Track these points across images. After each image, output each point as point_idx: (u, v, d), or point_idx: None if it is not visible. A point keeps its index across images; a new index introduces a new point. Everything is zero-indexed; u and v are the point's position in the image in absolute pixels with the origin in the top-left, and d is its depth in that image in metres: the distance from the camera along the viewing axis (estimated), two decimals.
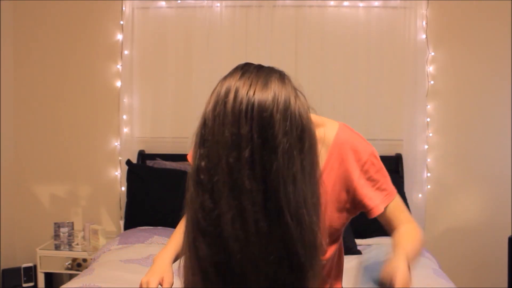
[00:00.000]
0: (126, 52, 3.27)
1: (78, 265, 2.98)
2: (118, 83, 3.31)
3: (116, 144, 3.34)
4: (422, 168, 3.20)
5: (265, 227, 0.90)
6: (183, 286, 1.03)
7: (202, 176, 0.95)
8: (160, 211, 2.94)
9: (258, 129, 0.90)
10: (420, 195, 3.18)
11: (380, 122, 3.19)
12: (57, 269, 3.06)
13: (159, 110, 3.30)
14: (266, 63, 3.46)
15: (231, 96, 0.92)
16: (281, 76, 0.97)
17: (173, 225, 3.08)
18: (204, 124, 0.95)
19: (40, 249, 3.07)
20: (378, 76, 3.19)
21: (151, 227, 2.88)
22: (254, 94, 0.91)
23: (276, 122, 0.90)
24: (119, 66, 3.31)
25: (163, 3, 3.27)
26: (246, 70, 0.97)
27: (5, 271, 3.14)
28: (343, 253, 1.36)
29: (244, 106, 0.90)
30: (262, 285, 0.93)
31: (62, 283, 2.94)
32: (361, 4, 3.18)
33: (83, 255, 3.01)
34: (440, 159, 3.25)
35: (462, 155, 3.23)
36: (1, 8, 3.22)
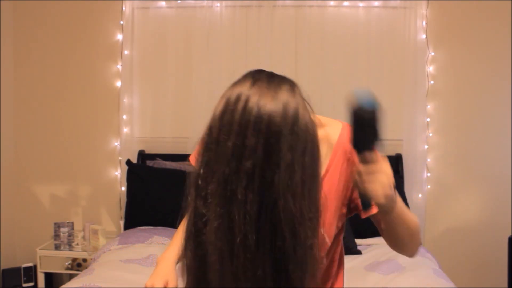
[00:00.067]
0: (126, 52, 3.27)
1: (78, 265, 2.98)
2: (118, 83, 3.31)
3: (116, 144, 3.34)
4: (422, 168, 3.20)
5: (253, 240, 0.88)
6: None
7: (199, 182, 0.95)
8: (160, 211, 2.94)
9: (264, 142, 0.88)
10: (420, 195, 3.18)
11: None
12: (57, 269, 3.06)
13: (159, 110, 3.30)
14: (266, 63, 3.49)
15: (240, 105, 0.90)
16: (292, 87, 0.95)
17: (173, 225, 3.08)
18: (210, 131, 0.94)
19: (40, 249, 3.07)
20: (378, 76, 3.19)
21: (151, 227, 2.88)
22: (264, 106, 0.89)
23: (283, 137, 0.89)
24: (119, 66, 3.31)
25: (163, 3, 3.27)
26: (258, 79, 0.95)
27: (5, 271, 3.14)
28: (343, 252, 1.36)
29: (252, 118, 0.89)
30: None
31: (62, 283, 2.94)
32: (361, 4, 3.18)
33: (83, 255, 3.01)
34: (440, 159, 3.25)
35: (462, 155, 3.23)
36: (1, 8, 3.22)
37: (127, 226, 2.99)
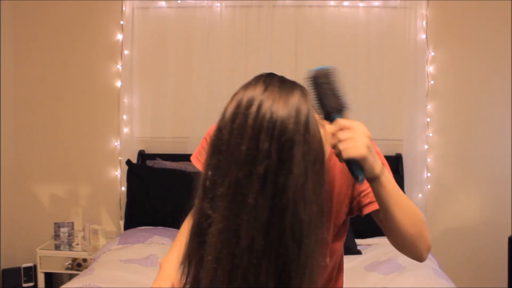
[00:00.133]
0: (126, 52, 3.27)
1: (78, 265, 2.98)
2: (118, 83, 3.31)
3: (116, 144, 3.34)
4: (422, 168, 3.20)
5: (261, 244, 0.89)
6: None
7: (207, 184, 0.94)
8: (160, 211, 2.94)
9: (277, 148, 0.89)
10: (420, 195, 3.18)
11: (380, 122, 3.19)
12: (57, 269, 3.06)
13: (159, 110, 3.30)
14: (266, 63, 3.48)
15: (253, 110, 0.90)
16: (303, 93, 0.96)
17: (173, 225, 3.10)
18: (220, 133, 0.94)
19: (40, 249, 3.07)
20: (378, 76, 3.19)
21: (151, 227, 2.88)
22: (277, 112, 0.90)
23: (297, 145, 0.90)
24: (119, 66, 3.31)
25: (163, 3, 3.27)
26: (269, 83, 0.95)
27: (5, 271, 3.14)
28: (343, 253, 1.36)
29: (266, 123, 0.89)
30: None
31: (62, 283, 2.94)
32: (361, 4, 3.18)
33: (83, 255, 3.01)
34: (440, 159, 3.25)
35: (462, 155, 3.23)
36: (1, 8, 3.22)
37: (127, 226, 2.99)
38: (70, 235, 3.14)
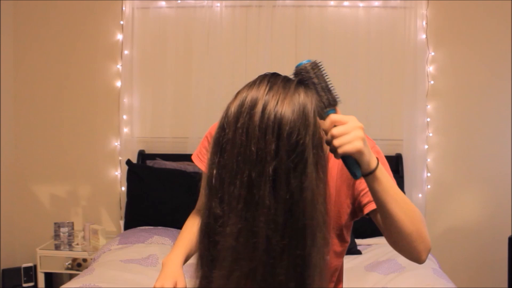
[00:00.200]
0: (126, 52, 3.27)
1: (78, 265, 2.98)
2: (118, 83, 3.31)
3: (116, 144, 3.34)
4: (422, 168, 3.20)
5: (279, 246, 0.90)
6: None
7: (214, 183, 0.94)
8: (160, 211, 2.94)
9: (287, 150, 0.89)
10: (420, 195, 3.18)
11: (380, 122, 3.19)
12: (57, 269, 3.06)
13: (159, 110, 3.30)
14: (266, 63, 3.47)
15: (258, 109, 0.90)
16: (307, 93, 0.96)
17: (173, 225, 3.10)
18: (223, 132, 0.94)
19: (40, 249, 3.07)
20: (378, 76, 3.19)
21: (151, 227, 2.88)
22: (283, 112, 0.90)
23: (308, 146, 0.90)
24: (119, 66, 3.31)
25: (163, 3, 3.27)
26: (274, 83, 0.95)
27: (5, 271, 3.14)
28: (343, 267, 1.37)
29: (271, 123, 0.89)
30: None
31: (62, 283, 2.94)
32: (361, 4, 3.18)
33: (83, 255, 3.01)
34: (440, 159, 3.25)
35: (462, 155, 3.23)
36: (1, 8, 3.22)
37: (127, 226, 2.99)
38: (70, 235, 3.14)
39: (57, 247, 3.10)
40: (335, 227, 1.23)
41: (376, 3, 3.18)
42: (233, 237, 0.91)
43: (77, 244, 3.12)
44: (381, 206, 0.99)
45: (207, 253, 0.96)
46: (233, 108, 0.94)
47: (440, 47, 3.21)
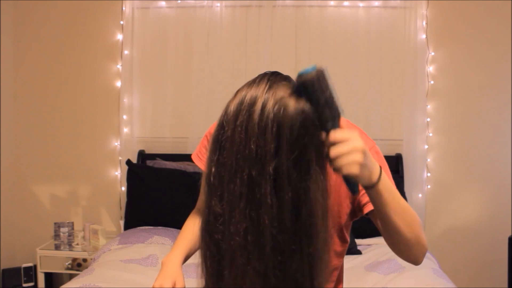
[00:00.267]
0: (126, 52, 3.27)
1: (78, 265, 2.98)
2: (118, 83, 3.31)
3: (116, 144, 3.34)
4: (422, 168, 3.20)
5: (285, 244, 0.90)
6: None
7: (213, 181, 0.94)
8: (160, 211, 2.94)
9: (287, 147, 0.89)
10: (420, 195, 3.18)
11: (380, 122, 3.19)
12: (57, 269, 3.06)
13: (159, 110, 3.30)
14: (266, 63, 3.47)
15: (257, 107, 0.90)
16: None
17: (173, 225, 3.10)
18: (222, 129, 0.94)
19: (40, 249, 3.07)
20: (378, 76, 3.19)
21: (151, 227, 2.88)
22: (282, 110, 0.90)
23: (310, 146, 0.90)
24: (119, 66, 3.31)
25: (163, 3, 3.27)
26: (274, 81, 0.95)
27: (5, 271, 3.14)
28: (343, 267, 1.37)
29: (270, 122, 0.89)
30: None
31: (62, 283, 2.94)
32: (361, 4, 3.18)
33: (83, 255, 3.01)
34: (440, 159, 3.25)
35: (462, 155, 3.23)
36: (1, 8, 3.22)
37: (127, 226, 2.99)
38: (70, 235, 3.14)
39: (57, 247, 3.10)
40: (335, 226, 1.23)
41: (376, 3, 3.18)
42: (240, 236, 0.90)
43: (77, 244, 3.12)
44: (381, 216, 1.01)
45: (210, 252, 0.96)
46: (232, 106, 0.94)
47: (440, 47, 3.21)
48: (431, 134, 3.23)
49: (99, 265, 2.39)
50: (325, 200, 0.95)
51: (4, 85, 3.28)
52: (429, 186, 3.24)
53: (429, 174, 3.23)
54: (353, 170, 0.87)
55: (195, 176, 2.85)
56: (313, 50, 3.19)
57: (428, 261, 2.47)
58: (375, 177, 0.94)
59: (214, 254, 0.95)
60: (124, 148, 3.29)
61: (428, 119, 3.22)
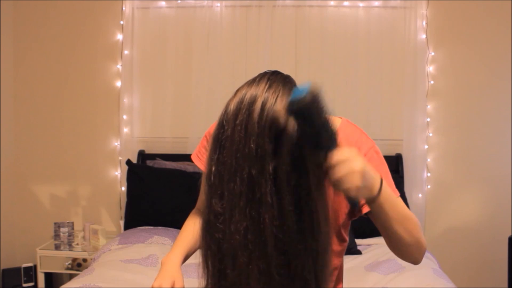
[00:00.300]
0: (126, 52, 3.27)
1: (78, 265, 2.98)
2: (118, 83, 3.31)
3: (116, 144, 3.34)
4: (422, 168, 3.20)
5: (288, 243, 0.90)
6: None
7: (213, 180, 0.94)
8: (160, 211, 2.94)
9: (287, 149, 0.89)
10: (420, 195, 3.18)
11: (380, 122, 3.19)
12: (57, 269, 3.06)
13: (159, 110, 3.30)
14: (266, 63, 3.48)
15: (257, 106, 0.90)
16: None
17: (173, 225, 3.10)
18: (222, 128, 0.94)
19: (40, 249, 3.07)
20: (378, 76, 3.19)
21: (151, 227, 2.88)
22: (282, 109, 0.90)
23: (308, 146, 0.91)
24: (119, 66, 3.31)
25: (163, 3, 3.27)
26: (274, 80, 0.95)
27: (5, 271, 3.14)
28: (343, 265, 1.37)
29: (270, 121, 0.89)
30: None
31: (62, 283, 2.94)
32: (361, 4, 3.18)
33: (83, 255, 3.01)
34: (440, 159, 3.25)
35: (462, 155, 3.23)
36: (1, 8, 3.22)
37: (127, 226, 2.99)
38: (70, 235, 3.14)
39: (57, 247, 3.10)
40: (334, 226, 1.23)
41: (376, 3, 3.18)
42: (240, 235, 0.90)
43: (77, 244, 3.12)
44: (382, 224, 1.02)
45: (211, 251, 0.96)
46: (232, 105, 0.94)
47: (440, 47, 3.21)
48: (431, 134, 3.23)
49: (99, 265, 2.40)
50: (325, 198, 0.96)
51: (4, 85, 3.28)
52: (429, 186, 3.24)
53: (429, 174, 3.23)
54: (351, 192, 0.88)
55: (195, 176, 2.85)
56: (313, 50, 3.19)
57: (428, 261, 2.47)
58: (375, 191, 0.94)
59: (215, 253, 0.95)
60: (124, 148, 3.29)
61: (428, 119, 3.22)
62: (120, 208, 3.33)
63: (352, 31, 3.19)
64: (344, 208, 1.21)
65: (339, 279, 1.35)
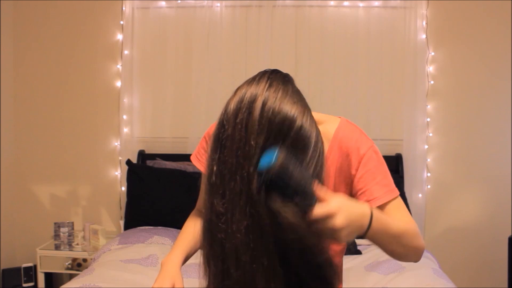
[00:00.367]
0: (126, 52, 3.27)
1: (78, 265, 2.98)
2: (118, 83, 3.31)
3: (116, 144, 3.34)
4: (422, 168, 3.20)
5: (290, 241, 0.90)
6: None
7: (214, 179, 0.94)
8: (160, 211, 2.94)
9: (287, 146, 0.89)
10: (420, 195, 3.18)
11: (380, 122, 3.19)
12: (57, 269, 3.06)
13: (159, 110, 3.30)
14: (266, 63, 3.48)
15: (258, 105, 0.90)
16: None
17: (173, 225, 3.10)
18: (222, 128, 0.93)
19: (40, 249, 3.07)
20: (378, 76, 3.19)
21: (151, 227, 2.88)
22: (282, 109, 0.90)
23: (310, 144, 0.91)
24: (119, 66, 3.31)
25: (163, 3, 3.27)
26: (274, 79, 0.95)
27: (5, 271, 3.14)
28: (342, 265, 1.37)
29: (270, 120, 0.89)
30: None
31: (62, 283, 2.94)
32: (361, 4, 3.18)
33: (83, 255, 3.01)
34: (440, 159, 3.25)
35: (462, 155, 3.23)
36: (1, 8, 3.22)
37: (127, 226, 2.99)
38: (70, 235, 3.14)
39: (57, 247, 3.10)
40: None
41: (376, 3, 3.18)
42: (241, 234, 0.90)
43: (77, 244, 3.12)
44: (377, 245, 1.04)
45: (213, 251, 0.96)
46: (232, 104, 0.93)
47: (440, 47, 3.21)
48: (431, 134, 3.23)
49: (99, 265, 2.39)
50: None
51: (4, 85, 3.28)
52: (429, 186, 3.24)
53: (429, 174, 3.23)
54: (337, 243, 0.92)
55: (195, 176, 2.84)
56: (313, 50, 3.19)
57: (428, 261, 2.47)
58: (364, 229, 0.94)
59: (217, 253, 0.95)
60: (124, 148, 3.29)
61: (428, 119, 3.22)
62: (120, 208, 3.33)
63: (352, 31, 3.19)
64: None
65: (339, 279, 1.35)
